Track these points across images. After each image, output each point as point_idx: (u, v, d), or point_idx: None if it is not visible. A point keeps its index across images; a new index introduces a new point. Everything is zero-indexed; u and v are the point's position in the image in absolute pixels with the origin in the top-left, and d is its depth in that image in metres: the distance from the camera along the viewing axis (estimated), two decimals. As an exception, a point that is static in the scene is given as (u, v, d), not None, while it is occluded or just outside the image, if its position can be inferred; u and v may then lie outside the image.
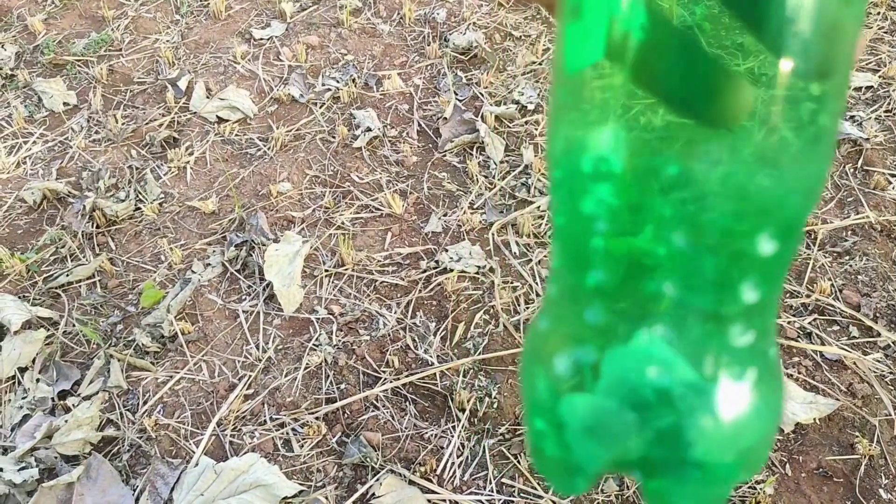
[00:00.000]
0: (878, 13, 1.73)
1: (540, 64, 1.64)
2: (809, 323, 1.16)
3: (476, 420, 1.09)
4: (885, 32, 1.68)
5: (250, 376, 1.15)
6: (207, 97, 1.58)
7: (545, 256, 1.28)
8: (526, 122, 1.51)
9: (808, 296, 1.20)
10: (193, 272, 1.28)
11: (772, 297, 0.30)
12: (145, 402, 1.13)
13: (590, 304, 0.30)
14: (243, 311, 1.23)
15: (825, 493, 0.99)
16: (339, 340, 1.18)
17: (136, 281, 1.28)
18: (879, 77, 1.56)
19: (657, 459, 0.30)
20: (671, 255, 0.28)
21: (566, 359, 0.31)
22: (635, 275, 0.29)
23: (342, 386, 1.13)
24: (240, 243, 1.31)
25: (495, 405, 1.10)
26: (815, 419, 1.05)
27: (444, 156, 1.46)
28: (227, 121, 1.54)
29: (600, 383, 0.29)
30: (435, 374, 1.14)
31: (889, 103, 1.51)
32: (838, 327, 1.16)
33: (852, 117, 1.48)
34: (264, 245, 1.30)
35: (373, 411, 1.10)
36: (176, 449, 1.08)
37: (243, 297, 1.25)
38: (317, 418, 1.10)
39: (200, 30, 1.76)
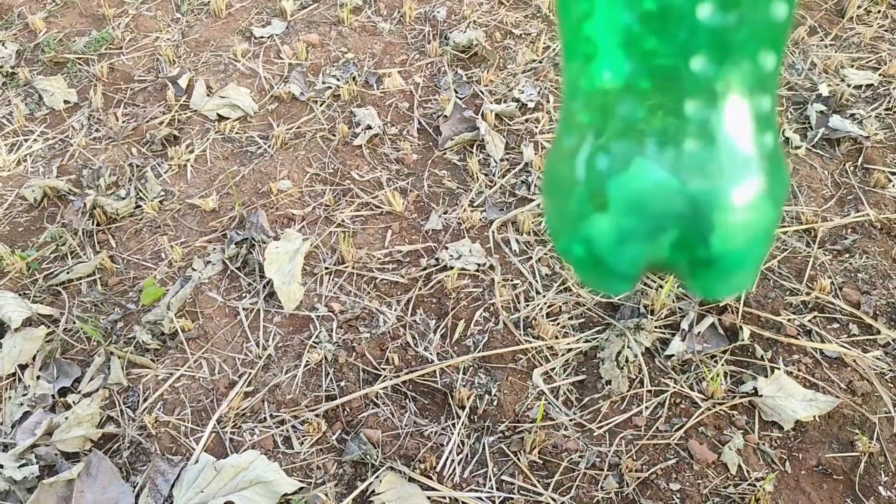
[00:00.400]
0: (879, 11, 1.73)
1: (540, 62, 1.64)
2: (809, 320, 1.16)
3: (476, 417, 1.09)
4: (886, 31, 1.68)
5: (250, 374, 1.15)
6: (208, 95, 1.58)
7: (545, 254, 1.28)
8: (526, 120, 1.51)
9: (808, 293, 1.20)
10: (194, 270, 1.28)
11: (778, 71, 0.33)
12: (145, 400, 1.13)
13: (619, 106, 0.32)
14: (243, 309, 1.23)
15: (825, 491, 0.99)
16: (340, 338, 1.18)
17: (136, 278, 1.28)
18: (880, 75, 1.56)
19: (682, 257, 0.33)
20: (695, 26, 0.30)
21: (591, 177, 0.33)
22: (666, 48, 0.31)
23: (342, 383, 1.13)
24: (240, 241, 1.31)
25: (495, 402, 1.10)
26: (814, 417, 1.05)
27: (445, 154, 1.46)
28: (227, 119, 1.54)
29: (617, 204, 0.32)
30: (435, 371, 1.14)
31: (889, 101, 1.51)
32: (838, 325, 1.16)
33: (852, 115, 1.48)
34: (264, 243, 1.30)
35: (373, 409, 1.10)
36: (176, 446, 1.08)
37: (243, 295, 1.25)
38: (317, 416, 1.10)
39: (201, 28, 1.76)
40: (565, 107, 0.35)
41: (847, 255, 1.25)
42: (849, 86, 1.54)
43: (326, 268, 1.28)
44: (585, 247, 0.34)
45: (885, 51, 1.63)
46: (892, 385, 1.09)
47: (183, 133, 1.52)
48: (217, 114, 1.54)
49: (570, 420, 1.08)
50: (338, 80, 1.61)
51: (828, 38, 1.67)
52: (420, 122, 1.52)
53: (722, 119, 0.32)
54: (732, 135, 0.32)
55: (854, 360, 1.11)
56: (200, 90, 1.59)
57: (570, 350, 1.15)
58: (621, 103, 0.32)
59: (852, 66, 1.59)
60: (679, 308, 1.18)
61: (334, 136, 1.50)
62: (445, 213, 1.35)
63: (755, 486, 1.00)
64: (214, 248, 1.31)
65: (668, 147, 0.32)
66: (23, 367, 1.16)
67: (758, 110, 0.32)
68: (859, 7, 1.73)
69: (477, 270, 1.26)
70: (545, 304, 1.21)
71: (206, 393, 1.14)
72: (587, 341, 1.16)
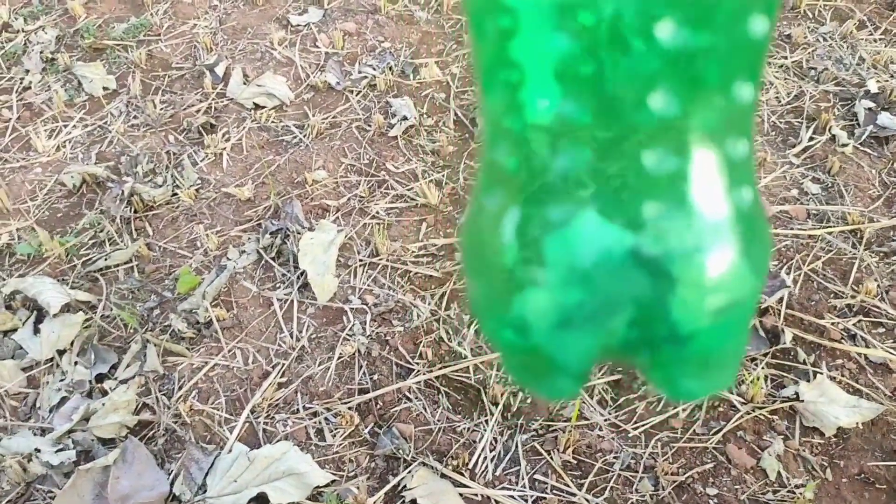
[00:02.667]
0: (931, 5, 1.67)
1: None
2: (854, 325, 1.13)
3: (509, 415, 1.08)
4: (938, 25, 1.63)
5: (284, 364, 1.15)
6: (244, 83, 1.58)
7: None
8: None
9: (853, 297, 1.17)
10: (229, 259, 1.28)
11: (755, 106, 0.26)
12: (181, 388, 1.14)
13: (543, 172, 0.25)
14: (277, 300, 1.23)
15: (866, 500, 0.97)
16: (373, 331, 1.18)
17: (172, 266, 1.28)
18: (931, 71, 1.52)
19: (640, 339, 0.27)
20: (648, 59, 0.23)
21: (518, 250, 0.26)
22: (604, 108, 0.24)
23: (375, 377, 1.13)
24: (275, 231, 1.31)
25: (529, 400, 1.09)
26: (857, 424, 1.03)
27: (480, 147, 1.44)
28: (263, 107, 1.54)
29: (557, 275, 0.26)
30: (468, 367, 1.13)
31: (941, 98, 1.47)
32: (884, 329, 1.13)
33: (902, 112, 1.44)
34: (299, 233, 1.29)
35: (405, 403, 1.10)
36: (210, 435, 1.09)
37: (277, 285, 1.25)
38: (350, 408, 1.10)
39: (238, 15, 1.76)
40: (485, 156, 0.28)
41: (895, 258, 1.22)
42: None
43: (361, 260, 1.27)
44: (518, 332, 0.27)
45: (938, 46, 1.58)
46: (939, 393, 1.06)
47: (219, 121, 1.52)
48: (253, 102, 1.54)
49: (605, 420, 1.06)
50: (374, 69, 1.60)
51: (877, 33, 1.62)
52: (457, 114, 1.51)
53: (688, 170, 0.25)
54: (701, 190, 0.25)
55: (900, 367, 1.08)
56: (237, 78, 1.59)
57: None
58: (558, 148, 0.25)
59: (903, 62, 1.55)
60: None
61: (370, 126, 1.49)
62: (481, 206, 1.34)
63: (794, 493, 0.98)
64: (249, 238, 1.31)
65: (619, 204, 0.25)
66: (61, 353, 1.17)
67: (732, 158, 0.26)
68: (911, 0, 1.68)
69: (512, 265, 1.24)
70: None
71: (239, 383, 1.14)
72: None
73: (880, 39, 1.61)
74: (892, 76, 1.52)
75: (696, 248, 0.25)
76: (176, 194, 1.39)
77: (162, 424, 1.09)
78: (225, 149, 1.46)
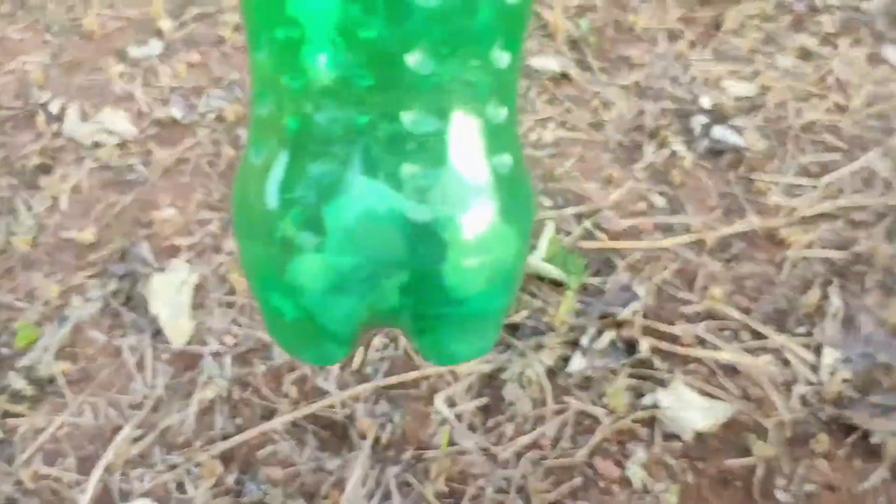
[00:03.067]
0: (753, 24, 1.80)
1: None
2: (703, 330, 1.19)
3: (379, 448, 1.06)
4: (760, 43, 1.75)
5: (138, 416, 1.08)
6: (82, 121, 1.50)
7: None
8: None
9: (700, 302, 1.23)
10: (72, 308, 1.20)
11: (516, 75, 0.28)
12: (23, 452, 1.05)
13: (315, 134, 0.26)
14: (129, 347, 1.16)
15: (725, 499, 1.01)
16: (233, 373, 1.13)
17: (9, 320, 1.19)
18: (756, 86, 1.63)
19: (411, 306, 0.27)
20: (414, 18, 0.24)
21: (292, 210, 0.26)
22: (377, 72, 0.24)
23: (238, 420, 1.08)
24: (122, 275, 1.24)
25: (398, 431, 1.07)
26: (713, 425, 1.07)
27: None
28: (104, 145, 1.46)
29: (329, 238, 0.26)
30: (335, 402, 1.10)
31: (766, 112, 1.58)
32: (730, 332, 1.19)
33: (734, 126, 1.53)
34: (149, 275, 1.23)
35: (271, 445, 1.06)
36: (58, 500, 1.00)
37: (128, 332, 1.18)
38: (212, 457, 1.04)
39: (73, 50, 1.67)
40: (255, 112, 0.28)
41: (735, 263, 1.29)
42: (729, 98, 1.60)
43: (217, 299, 1.22)
44: (291, 299, 0.27)
45: (761, 62, 1.70)
46: (782, 389, 1.12)
47: (56, 162, 1.43)
48: (93, 140, 1.46)
49: (476, 444, 1.06)
50: (222, 101, 1.55)
51: (706, 52, 1.73)
52: (311, 144, 1.48)
53: (446, 133, 0.26)
54: (460, 154, 0.26)
55: (747, 367, 1.14)
56: (74, 116, 1.50)
57: (471, 373, 1.14)
58: (334, 106, 0.25)
59: (731, 79, 1.65)
60: (579, 324, 1.19)
61: (220, 160, 1.44)
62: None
63: (659, 499, 1.01)
64: (94, 284, 1.23)
65: (386, 166, 0.26)
66: None
67: (490, 122, 0.27)
68: (736, 21, 1.80)
69: (375, 295, 1.23)
70: (446, 326, 1.19)
71: (90, 440, 1.07)
72: (489, 363, 1.15)
73: (709, 59, 1.71)
74: (721, 92, 1.62)
75: (457, 209, 0.26)
76: (10, 242, 1.29)
77: (1, 495, 1.00)
78: (63, 191, 1.37)
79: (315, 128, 0.26)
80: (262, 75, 0.27)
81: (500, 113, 0.27)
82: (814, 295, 1.23)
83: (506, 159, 0.27)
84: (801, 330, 1.20)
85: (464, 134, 0.26)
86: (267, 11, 0.25)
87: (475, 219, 0.26)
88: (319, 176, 0.26)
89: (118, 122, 1.49)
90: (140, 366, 1.14)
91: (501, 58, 0.26)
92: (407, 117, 0.25)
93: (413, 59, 0.24)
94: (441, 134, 0.26)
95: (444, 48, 0.24)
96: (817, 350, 1.17)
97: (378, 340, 1.17)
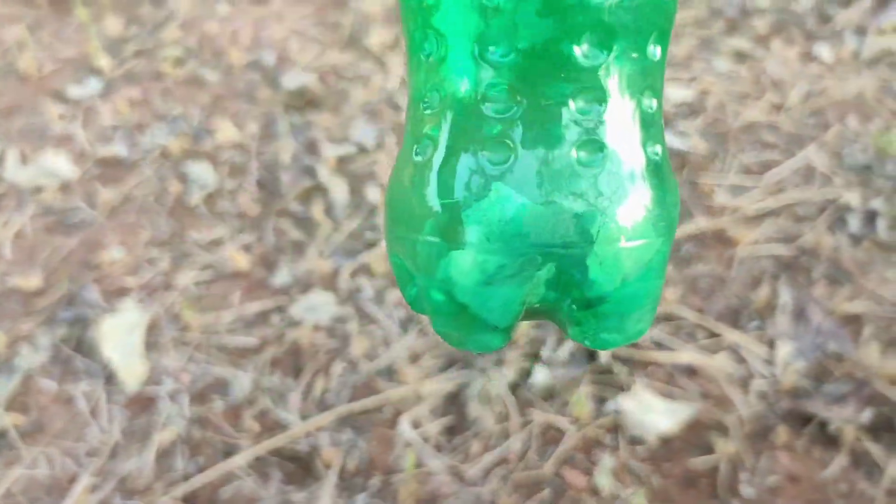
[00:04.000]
0: (688, 31, 1.84)
1: (376, 103, 1.63)
2: (659, 332, 1.20)
3: (346, 476, 1.05)
4: (696, 50, 1.79)
5: (96, 464, 1.06)
6: (23, 164, 1.47)
7: (400, 298, 1.26)
8: (369, 162, 1.49)
9: (654, 306, 1.24)
10: (21, 357, 1.17)
11: (664, 70, 0.30)
12: (-24, 510, 1.01)
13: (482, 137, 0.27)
14: (82, 394, 1.13)
15: (692, 498, 1.02)
16: (191, 412, 1.11)
17: (-46, 375, 1.15)
18: (695, 91, 1.66)
19: (559, 298, 0.28)
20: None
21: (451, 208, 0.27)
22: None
23: (199, 460, 1.06)
24: (71, 320, 1.21)
25: (364, 458, 1.06)
26: (675, 426, 1.08)
27: (287, 204, 1.42)
28: (46, 189, 1.43)
29: (478, 234, 0.27)
30: (297, 434, 1.09)
31: (706, 115, 1.61)
32: (685, 334, 1.21)
33: (677, 131, 1.56)
34: (99, 319, 1.20)
35: (234, 482, 1.04)
36: (16, 557, 0.97)
37: (80, 379, 1.15)
38: (174, 500, 1.02)
39: (10, 93, 1.64)
40: (411, 114, 0.29)
41: (686, 264, 1.31)
42: (669, 103, 1.63)
43: (171, 338, 1.20)
44: (444, 292, 0.28)
45: (698, 68, 1.73)
46: (740, 385, 1.14)
47: (-3, 208, 1.40)
48: (34, 184, 1.43)
49: (443, 464, 1.06)
50: (166, 136, 1.54)
51: (645, 60, 1.76)
52: (258, 174, 1.47)
53: (605, 123, 0.27)
54: (618, 143, 0.27)
55: (704, 366, 1.16)
56: (13, 160, 1.47)
57: (434, 393, 1.13)
58: (481, 107, 0.27)
59: (671, 85, 1.68)
60: (539, 336, 1.19)
61: (167, 196, 1.42)
62: (294, 263, 1.31)
63: (628, 503, 1.01)
64: (43, 331, 1.20)
65: (538, 160, 0.27)
66: None
67: (646, 113, 0.28)
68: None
69: (332, 322, 1.22)
70: (405, 348, 1.18)
71: (47, 491, 1.04)
72: (451, 381, 1.14)
73: (648, 66, 1.74)
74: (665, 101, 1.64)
75: (612, 201, 0.27)
76: (-48, 294, 1.26)
77: (-44, 556, 0.97)
78: (6, 238, 1.34)
79: (465, 128, 0.27)
80: (416, 81, 0.28)
81: (653, 104, 0.29)
82: (764, 290, 1.25)
83: (658, 149, 0.29)
84: (754, 325, 1.22)
85: (621, 123, 0.27)
86: (414, 18, 0.27)
87: (629, 209, 0.27)
88: (470, 174, 0.27)
89: (59, 164, 1.46)
90: (95, 412, 1.12)
91: (656, 52, 0.28)
92: (565, 108, 0.26)
93: (580, 50, 0.26)
94: (599, 123, 0.27)
95: (607, 39, 0.26)
96: (771, 344, 1.19)
97: (339, 367, 1.16)
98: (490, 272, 0.27)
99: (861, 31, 1.84)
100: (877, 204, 1.40)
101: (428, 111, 0.28)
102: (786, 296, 1.25)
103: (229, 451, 1.07)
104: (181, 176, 1.46)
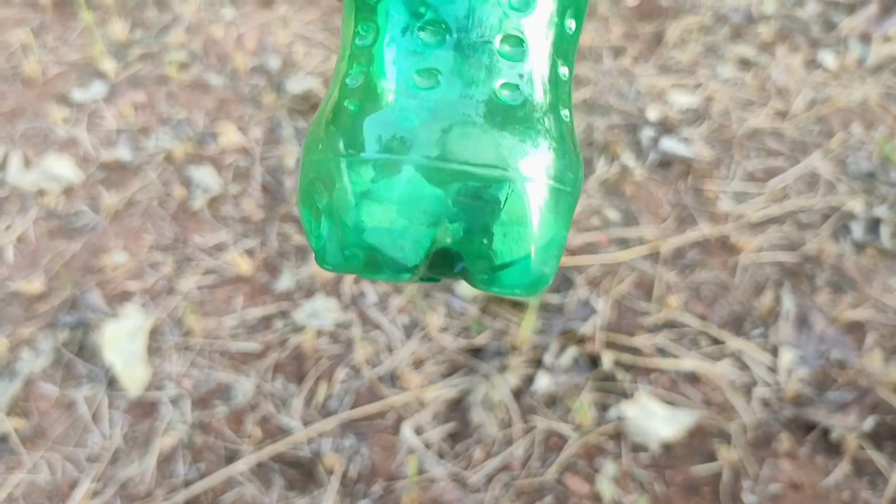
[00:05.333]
0: (693, 37, 1.84)
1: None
2: (663, 338, 1.20)
3: (348, 482, 1.05)
4: (701, 56, 1.79)
5: (97, 469, 1.06)
6: (26, 168, 1.47)
7: (405, 303, 1.26)
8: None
9: (658, 312, 1.24)
10: (23, 361, 1.17)
11: (576, 46, 0.32)
12: (-22, 514, 1.01)
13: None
14: (83, 399, 1.13)
15: (695, 506, 1.02)
16: (193, 417, 1.11)
17: (-44, 379, 1.15)
18: (699, 97, 1.66)
19: (471, 240, 0.29)
20: None
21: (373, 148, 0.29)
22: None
23: (200, 466, 1.06)
24: (73, 324, 1.21)
25: (366, 464, 1.06)
26: (678, 433, 1.08)
27: (291, 209, 1.42)
28: (49, 193, 1.43)
29: (389, 194, 0.28)
30: (300, 439, 1.08)
31: (710, 122, 1.61)
32: (689, 340, 1.20)
33: (681, 137, 1.56)
34: (101, 323, 1.20)
35: (237, 488, 1.04)
36: (17, 562, 0.97)
37: (82, 383, 1.15)
38: (176, 505, 1.02)
39: (14, 96, 1.64)
40: (354, 42, 0.31)
41: (690, 272, 1.30)
42: (674, 110, 1.63)
43: (173, 343, 1.20)
44: (356, 230, 0.30)
45: (702, 74, 1.73)
46: (743, 393, 1.13)
47: (0, 212, 1.40)
48: (38, 187, 1.43)
49: (445, 471, 1.05)
50: (170, 141, 1.54)
51: (650, 66, 1.76)
52: (262, 178, 1.47)
53: (525, 73, 0.29)
54: (534, 94, 0.30)
55: (707, 373, 1.15)
56: (17, 164, 1.47)
57: (437, 399, 1.13)
58: (414, 39, 0.29)
59: (675, 91, 1.68)
60: (541, 343, 1.19)
61: (171, 200, 1.42)
62: (298, 268, 1.30)
63: (630, 512, 1.01)
64: (45, 336, 1.20)
65: (460, 95, 0.29)
66: None
67: (559, 78, 0.31)
68: (676, 35, 1.83)
69: (335, 327, 1.22)
70: (408, 354, 1.18)
71: (48, 496, 1.03)
72: (454, 387, 1.14)
73: (653, 73, 1.74)
74: (667, 104, 1.64)
75: (529, 139, 0.29)
76: (-45, 298, 1.26)
77: (-43, 561, 0.97)
78: (9, 242, 1.34)
79: (405, 55, 0.29)
80: (365, 10, 0.30)
81: (566, 72, 0.31)
82: (767, 297, 1.25)
83: (567, 112, 0.31)
84: (757, 332, 1.21)
85: (539, 78, 0.29)
86: None
87: (543, 150, 0.29)
88: (389, 130, 0.28)
89: (63, 167, 1.46)
90: (96, 417, 1.12)
91: (571, 25, 0.30)
92: (492, 48, 0.29)
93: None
94: (522, 68, 0.29)
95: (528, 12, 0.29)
96: (774, 351, 1.18)
97: (342, 373, 1.16)
98: (404, 210, 0.28)
99: (865, 38, 1.84)
100: (881, 211, 1.40)
101: (360, 42, 0.30)
102: (789, 303, 1.25)
103: (231, 457, 1.07)
104: (185, 180, 1.46)
